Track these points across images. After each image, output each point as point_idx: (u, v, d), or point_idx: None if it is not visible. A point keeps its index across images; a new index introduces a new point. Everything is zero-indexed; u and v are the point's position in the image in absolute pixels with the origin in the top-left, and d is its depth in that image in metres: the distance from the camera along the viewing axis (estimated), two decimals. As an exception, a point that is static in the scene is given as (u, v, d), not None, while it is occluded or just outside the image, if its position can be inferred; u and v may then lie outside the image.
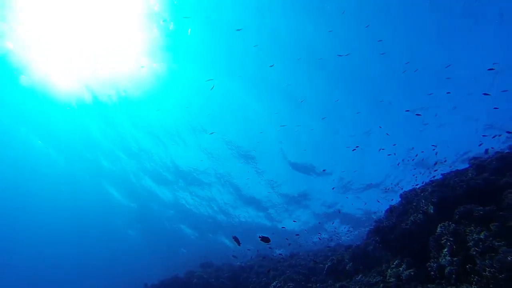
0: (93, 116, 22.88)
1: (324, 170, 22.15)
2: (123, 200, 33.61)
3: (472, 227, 6.73)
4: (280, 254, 18.08)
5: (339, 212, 21.03)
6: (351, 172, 23.64)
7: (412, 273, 8.63)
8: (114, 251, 44.50)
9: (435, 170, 17.81)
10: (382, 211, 23.68)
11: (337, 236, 26.37)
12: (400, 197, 11.72)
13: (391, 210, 11.54)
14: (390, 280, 9.25)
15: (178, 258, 35.36)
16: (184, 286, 17.65)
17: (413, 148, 19.83)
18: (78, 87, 20.27)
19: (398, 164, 20.38)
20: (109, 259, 46.72)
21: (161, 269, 28.60)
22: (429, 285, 7.26)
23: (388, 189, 22.63)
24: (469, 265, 5.95)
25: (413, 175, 21.01)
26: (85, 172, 29.75)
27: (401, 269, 9.24)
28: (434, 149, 18.41)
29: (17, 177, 31.60)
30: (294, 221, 28.17)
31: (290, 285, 12.44)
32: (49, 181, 31.47)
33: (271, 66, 16.57)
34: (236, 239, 9.86)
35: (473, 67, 16.78)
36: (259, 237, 8.38)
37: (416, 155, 19.53)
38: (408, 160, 20.26)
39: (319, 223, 26.78)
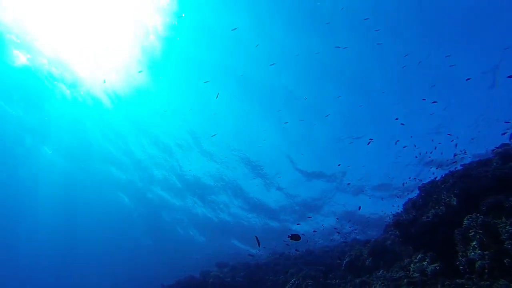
0: (95, 121, 23.08)
1: (339, 165, 21.85)
2: (133, 206, 33.97)
3: (503, 219, 6.44)
4: (297, 250, 17.85)
5: (359, 209, 20.84)
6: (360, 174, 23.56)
7: (437, 268, 8.37)
8: (127, 254, 45.02)
9: (454, 162, 17.39)
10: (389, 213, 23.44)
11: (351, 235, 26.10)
12: (419, 190, 11.40)
13: (410, 203, 11.24)
14: (414, 275, 8.99)
15: (192, 260, 35.46)
16: (200, 286, 17.62)
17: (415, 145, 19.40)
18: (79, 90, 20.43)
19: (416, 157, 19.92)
20: (123, 262, 47.24)
21: (177, 270, 28.58)
22: (458, 280, 6.99)
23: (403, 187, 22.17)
24: (507, 259, 5.67)
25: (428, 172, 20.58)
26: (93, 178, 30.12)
27: (425, 263, 8.97)
28: (452, 140, 17.94)
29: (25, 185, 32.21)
30: (298, 223, 28.25)
31: (309, 282, 12.25)
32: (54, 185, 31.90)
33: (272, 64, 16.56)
34: (257, 239, 9.77)
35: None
36: (289, 236, 8.20)
37: (430, 153, 19.03)
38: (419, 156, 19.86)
39: (335, 227, 26.59)
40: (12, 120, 23.66)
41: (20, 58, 18.54)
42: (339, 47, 16.03)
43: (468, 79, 15.38)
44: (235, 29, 15.48)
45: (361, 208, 21.75)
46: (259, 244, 10.16)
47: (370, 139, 19.06)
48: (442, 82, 17.50)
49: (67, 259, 49.33)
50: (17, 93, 21.34)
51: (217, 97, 18.52)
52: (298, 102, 19.91)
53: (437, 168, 19.77)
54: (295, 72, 18.56)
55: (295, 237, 9.43)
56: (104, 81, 19.06)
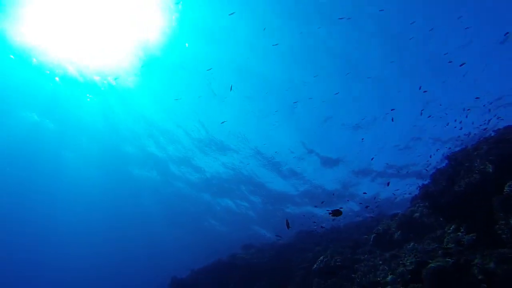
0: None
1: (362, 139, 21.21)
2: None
3: (549, 183, 6.06)
4: (322, 227, 17.88)
5: (388, 184, 20.53)
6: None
7: (474, 238, 8.11)
8: (152, 240, 46.38)
9: (484, 129, 16.57)
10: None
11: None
12: (447, 159, 10.98)
13: (439, 173, 10.86)
14: (449, 246, 8.76)
15: (219, 244, 36.26)
16: (228, 269, 18.05)
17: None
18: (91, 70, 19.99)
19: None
20: (148, 249, 48.69)
21: (205, 255, 29.26)
22: (500, 250, 6.73)
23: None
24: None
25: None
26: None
27: (460, 234, 8.70)
28: (484, 105, 17.03)
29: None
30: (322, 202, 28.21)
31: (337, 259, 12.26)
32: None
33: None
34: (287, 223, 9.80)
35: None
36: (330, 212, 8.12)
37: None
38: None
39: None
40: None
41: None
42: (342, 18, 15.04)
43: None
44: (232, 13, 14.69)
45: (388, 185, 21.40)
46: (288, 226, 10.18)
47: (392, 110, 18.33)
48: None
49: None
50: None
51: (231, 89, 18.16)
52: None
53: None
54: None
55: (336, 212, 9.35)
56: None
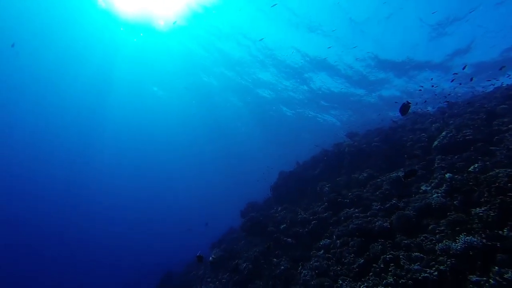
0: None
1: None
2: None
3: None
4: (429, 110, 15.86)
5: (464, 68, 16.18)
6: None
7: None
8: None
9: None
10: None
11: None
12: None
13: None
14: None
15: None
16: (336, 157, 18.34)
17: None
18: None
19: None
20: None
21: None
22: None
23: None
24: None
25: None
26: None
27: None
28: None
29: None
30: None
31: (467, 132, 10.73)
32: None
33: None
34: (406, 105, 8.74)
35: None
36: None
37: None
38: None
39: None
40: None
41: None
42: None
43: None
44: None
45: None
46: (406, 111, 9.07)
47: None
48: None
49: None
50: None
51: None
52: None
53: None
54: None
55: (405, 107, 8.18)
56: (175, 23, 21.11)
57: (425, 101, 22.43)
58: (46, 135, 55.15)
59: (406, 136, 15.16)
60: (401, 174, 12.28)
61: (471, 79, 17.84)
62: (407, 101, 9.15)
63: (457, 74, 21.04)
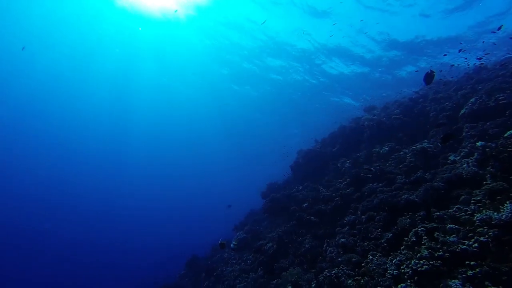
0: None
1: None
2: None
3: None
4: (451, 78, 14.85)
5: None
6: None
7: None
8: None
9: None
10: None
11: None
12: None
13: None
14: None
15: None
16: (356, 132, 17.78)
17: None
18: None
19: None
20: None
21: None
22: None
23: None
24: None
25: None
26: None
27: None
28: None
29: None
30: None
31: (501, 96, 9.98)
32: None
33: None
34: (430, 75, 8.28)
35: None
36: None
37: None
38: None
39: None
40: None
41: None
42: None
43: None
44: None
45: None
46: (430, 80, 8.55)
47: None
48: None
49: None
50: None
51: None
52: None
53: None
54: None
55: (429, 77, 7.92)
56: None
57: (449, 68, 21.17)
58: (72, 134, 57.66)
59: (429, 106, 14.40)
60: (425, 145, 11.73)
61: (499, 28, 16.50)
62: (430, 70, 8.74)
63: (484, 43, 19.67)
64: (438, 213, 7.34)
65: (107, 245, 61.18)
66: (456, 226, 6.17)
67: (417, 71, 23.97)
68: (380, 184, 12.27)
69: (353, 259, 9.21)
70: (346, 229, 11.29)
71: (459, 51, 17.37)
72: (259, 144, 55.07)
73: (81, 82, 38.20)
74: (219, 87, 35.32)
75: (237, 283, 11.89)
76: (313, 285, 9.14)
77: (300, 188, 14.73)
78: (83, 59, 32.16)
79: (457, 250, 5.37)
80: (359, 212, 11.43)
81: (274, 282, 10.19)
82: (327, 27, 21.78)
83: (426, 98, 15.65)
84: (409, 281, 5.70)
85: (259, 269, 11.76)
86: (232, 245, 14.57)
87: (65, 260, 54.62)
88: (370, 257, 7.70)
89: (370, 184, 12.57)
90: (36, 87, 40.51)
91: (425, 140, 12.60)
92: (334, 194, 13.23)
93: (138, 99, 42.28)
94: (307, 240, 11.63)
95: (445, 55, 21.89)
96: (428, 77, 8.74)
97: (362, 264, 7.93)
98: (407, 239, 7.03)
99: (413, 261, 5.92)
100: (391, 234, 9.15)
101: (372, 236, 9.85)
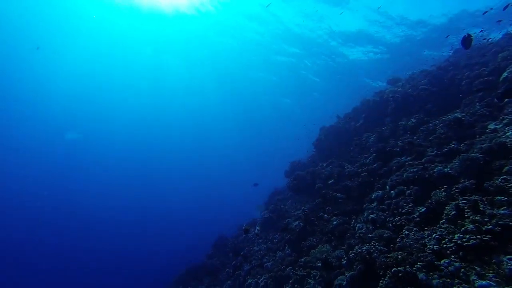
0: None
1: None
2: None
3: None
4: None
5: None
6: None
7: None
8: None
9: None
10: None
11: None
12: None
13: None
14: None
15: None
16: (380, 106, 16.89)
17: None
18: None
19: None
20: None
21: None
22: None
23: None
24: None
25: None
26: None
27: None
28: None
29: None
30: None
31: (547, 56, 8.92)
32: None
33: None
34: (467, 39, 7.61)
35: None
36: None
37: None
38: None
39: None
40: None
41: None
42: None
43: None
44: None
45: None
46: (469, 44, 7.78)
47: None
48: None
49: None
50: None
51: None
52: None
53: None
54: None
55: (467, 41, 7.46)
56: None
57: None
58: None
59: (461, 73, 13.29)
60: (459, 114, 10.88)
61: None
62: (468, 34, 8.12)
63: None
64: (482, 185, 6.77)
65: (140, 233, 63.00)
66: (505, 198, 5.62)
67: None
68: (408, 158, 11.65)
69: (385, 234, 8.85)
70: (374, 204, 10.88)
71: (498, 21, 15.83)
72: (282, 124, 54.95)
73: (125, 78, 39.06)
74: (240, 75, 35.12)
75: (265, 262, 11.89)
76: (344, 262, 8.91)
77: (325, 165, 14.30)
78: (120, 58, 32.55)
79: (511, 223, 4.87)
80: (387, 187, 10.95)
81: (302, 260, 10.06)
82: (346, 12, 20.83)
83: (457, 65, 14.47)
84: (453, 256, 5.29)
85: (286, 247, 11.67)
86: (256, 230, 14.50)
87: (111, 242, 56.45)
88: (406, 232, 7.31)
89: (398, 158, 11.97)
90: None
91: (457, 110, 11.71)
92: (359, 170, 12.75)
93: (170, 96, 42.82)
94: (334, 217, 11.34)
95: (481, 31, 20.11)
96: (466, 41, 8.11)
97: (397, 240, 7.56)
98: (446, 213, 6.55)
99: (456, 235, 5.49)
100: (424, 209, 8.68)
101: (404, 211, 9.40)
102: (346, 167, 13.36)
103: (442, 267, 5.21)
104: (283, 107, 47.39)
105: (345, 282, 8.10)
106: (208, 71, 34.96)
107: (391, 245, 7.71)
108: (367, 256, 8.27)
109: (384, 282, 6.05)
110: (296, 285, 9.37)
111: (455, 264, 5.04)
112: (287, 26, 24.28)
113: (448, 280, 4.82)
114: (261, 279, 10.94)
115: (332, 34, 24.69)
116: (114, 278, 43.77)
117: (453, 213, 6.31)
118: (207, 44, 27.92)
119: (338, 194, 12.11)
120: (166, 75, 37.08)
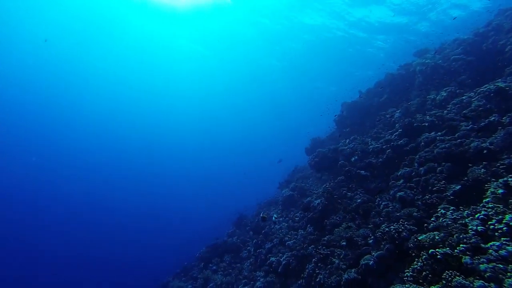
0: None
1: None
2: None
3: None
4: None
5: None
6: None
7: None
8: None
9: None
10: None
11: None
12: None
13: None
14: None
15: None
16: (405, 80, 15.64)
17: None
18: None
19: None
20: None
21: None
22: None
23: None
24: None
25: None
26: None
27: None
28: None
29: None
30: None
31: None
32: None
33: None
34: None
35: None
36: None
37: None
38: None
39: None
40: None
41: None
42: None
43: None
44: None
45: None
46: None
47: None
48: None
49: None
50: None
51: None
52: None
53: None
54: None
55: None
56: None
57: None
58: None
59: (505, 38, 11.79)
60: (501, 84, 9.68)
61: None
62: None
63: None
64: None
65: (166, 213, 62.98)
66: None
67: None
68: (439, 133, 10.66)
69: (414, 213, 8.20)
70: (401, 182, 10.14)
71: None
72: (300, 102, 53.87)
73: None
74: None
75: (286, 240, 11.59)
76: (370, 241, 8.39)
77: (347, 141, 13.53)
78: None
79: None
80: (416, 164, 10.13)
81: (325, 238, 9.63)
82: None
83: (501, 30, 12.88)
84: (503, 238, 4.62)
85: (308, 226, 11.26)
86: (273, 218, 14.01)
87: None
88: (442, 211, 6.62)
89: (427, 134, 11.00)
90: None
91: (499, 80, 10.46)
92: (384, 146, 11.91)
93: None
94: (358, 195, 10.73)
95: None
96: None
97: (432, 219, 6.90)
98: (492, 191, 5.78)
99: (508, 216, 4.77)
100: (459, 186, 7.90)
101: (435, 188, 8.65)
102: (370, 144, 12.54)
103: (490, 250, 4.56)
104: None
105: (372, 262, 7.62)
106: (231, 58, 35.31)
107: (424, 224, 7.06)
108: (395, 235, 7.70)
109: (419, 263, 5.49)
110: (319, 264, 9.01)
111: (508, 248, 4.38)
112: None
113: (500, 265, 4.19)
114: (283, 257, 10.67)
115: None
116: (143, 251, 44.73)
117: (500, 191, 5.54)
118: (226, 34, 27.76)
119: (362, 172, 11.43)
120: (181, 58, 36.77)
